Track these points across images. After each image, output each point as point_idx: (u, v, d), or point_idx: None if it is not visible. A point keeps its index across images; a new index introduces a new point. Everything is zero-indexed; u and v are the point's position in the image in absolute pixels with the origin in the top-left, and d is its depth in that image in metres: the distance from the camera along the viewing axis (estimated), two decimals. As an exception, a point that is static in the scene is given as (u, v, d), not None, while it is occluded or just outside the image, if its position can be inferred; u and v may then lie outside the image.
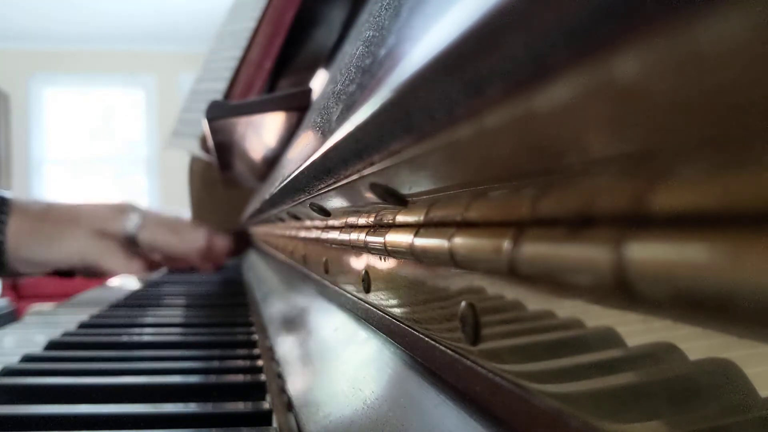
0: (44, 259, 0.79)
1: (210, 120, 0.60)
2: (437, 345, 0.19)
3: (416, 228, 0.19)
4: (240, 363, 0.44)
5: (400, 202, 0.20)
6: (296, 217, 0.45)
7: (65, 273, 0.87)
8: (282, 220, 0.54)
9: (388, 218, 0.22)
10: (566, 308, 0.12)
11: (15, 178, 4.72)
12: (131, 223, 0.85)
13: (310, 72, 0.67)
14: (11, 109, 4.69)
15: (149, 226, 0.86)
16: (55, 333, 0.55)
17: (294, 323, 0.46)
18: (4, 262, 0.78)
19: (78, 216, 0.82)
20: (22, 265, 0.80)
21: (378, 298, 0.27)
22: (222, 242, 0.94)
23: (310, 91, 0.53)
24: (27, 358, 0.45)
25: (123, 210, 0.87)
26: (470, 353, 0.17)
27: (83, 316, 0.68)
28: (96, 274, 0.85)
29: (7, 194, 0.81)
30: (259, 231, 0.92)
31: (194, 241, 0.89)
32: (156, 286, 0.96)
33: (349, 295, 0.33)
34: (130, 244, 0.84)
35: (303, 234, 0.45)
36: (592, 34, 0.07)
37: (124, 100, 4.93)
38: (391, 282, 0.24)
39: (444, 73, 0.10)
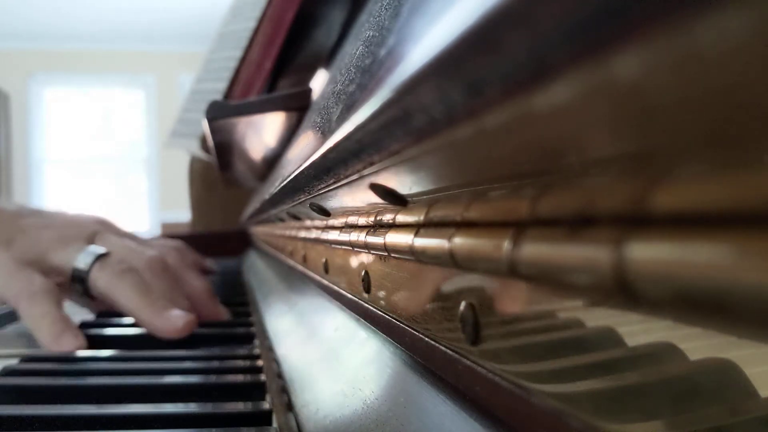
0: None
1: (210, 120, 0.60)
2: (437, 345, 0.19)
3: (416, 228, 0.19)
4: (240, 363, 0.44)
5: (400, 202, 0.20)
6: (296, 217, 0.45)
7: None
8: (282, 220, 0.54)
9: (388, 218, 0.22)
10: (566, 308, 0.12)
11: (15, 178, 4.73)
12: (85, 256, 0.54)
13: (310, 72, 0.67)
14: (11, 109, 4.69)
15: (112, 266, 0.53)
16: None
17: (294, 323, 0.46)
18: None
19: (14, 233, 0.54)
20: None
21: (378, 298, 0.27)
22: (212, 312, 0.60)
23: (310, 91, 0.53)
24: (27, 358, 0.45)
25: (80, 231, 0.57)
26: (470, 353, 0.17)
27: (84, 315, 0.68)
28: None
29: None
30: (259, 231, 0.92)
31: (163, 319, 0.51)
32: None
33: (349, 295, 0.33)
34: (78, 286, 0.54)
35: (303, 234, 0.45)
36: (592, 34, 0.07)
37: (124, 100, 4.93)
38: (391, 282, 0.24)
39: (444, 73, 0.10)
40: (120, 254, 0.55)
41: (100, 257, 0.54)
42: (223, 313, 0.61)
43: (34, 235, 0.54)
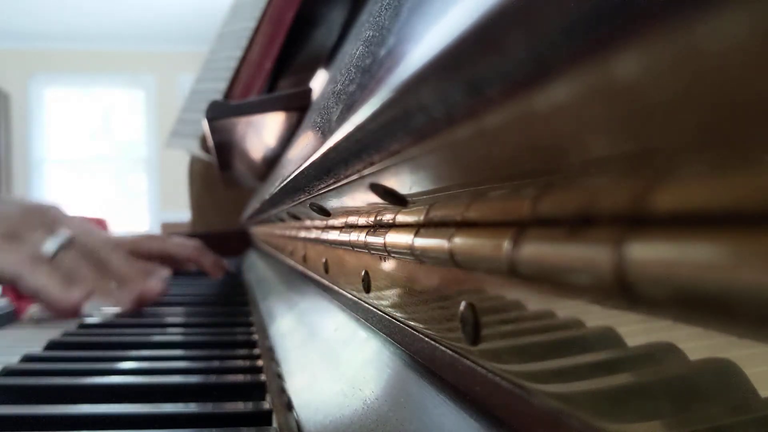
0: None
1: (210, 120, 0.60)
2: (437, 345, 0.19)
3: (416, 228, 0.19)
4: (240, 363, 0.44)
5: (400, 202, 0.20)
6: (296, 217, 0.45)
7: None
8: (282, 220, 0.54)
9: (388, 218, 0.22)
10: (566, 308, 0.12)
11: (15, 178, 4.73)
12: (52, 242, 0.62)
13: (310, 72, 0.67)
14: (11, 109, 4.69)
15: (73, 254, 0.63)
16: (55, 333, 0.55)
17: (294, 323, 0.46)
18: None
19: None
20: None
21: (378, 298, 0.27)
22: (156, 283, 0.70)
23: (310, 91, 0.53)
24: (27, 358, 0.45)
25: (47, 214, 0.65)
26: (470, 353, 0.17)
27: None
28: (19, 290, 0.61)
29: None
30: (259, 231, 0.92)
31: (119, 297, 0.64)
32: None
33: (349, 295, 0.33)
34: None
35: (303, 234, 0.45)
36: (591, 34, 0.07)
37: (124, 100, 4.93)
38: (391, 282, 0.24)
39: (444, 73, 0.10)
40: (79, 242, 0.64)
41: (65, 244, 0.62)
42: (155, 289, 0.69)
43: (10, 215, 0.61)
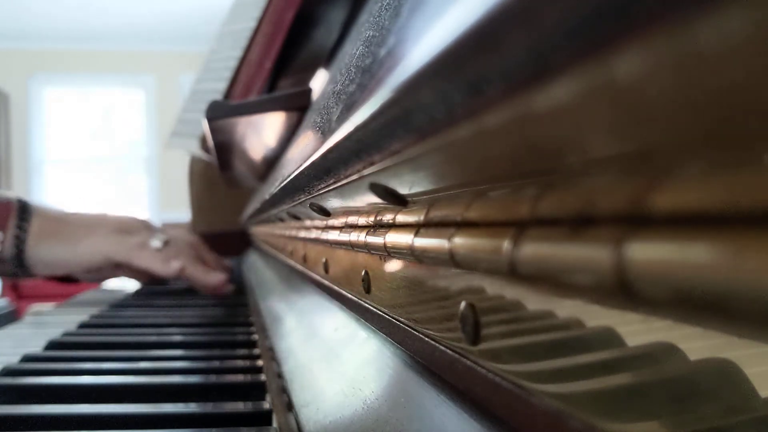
0: (66, 258, 0.78)
1: (210, 120, 0.60)
2: (437, 345, 0.19)
3: (416, 228, 0.19)
4: (240, 363, 0.44)
5: (400, 202, 0.20)
6: (296, 217, 0.45)
7: (93, 278, 0.85)
8: (282, 220, 0.54)
9: (388, 218, 0.22)
10: (566, 308, 0.12)
11: (15, 178, 4.73)
12: (156, 240, 0.82)
13: (310, 72, 0.67)
14: (11, 109, 4.69)
15: (176, 247, 0.83)
16: (55, 333, 0.55)
17: (294, 323, 0.46)
18: (24, 263, 0.77)
19: (102, 219, 0.81)
20: (40, 266, 0.79)
21: (378, 298, 0.27)
22: (227, 283, 0.88)
23: (310, 91, 0.53)
24: (27, 358, 0.45)
25: (145, 223, 0.86)
26: (470, 353, 0.17)
27: (83, 316, 0.68)
28: (128, 274, 0.83)
29: (29, 201, 0.81)
30: (259, 231, 0.92)
31: (212, 278, 0.84)
32: (155, 286, 0.96)
33: (349, 295, 0.33)
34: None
35: (303, 234, 0.45)
36: (591, 34, 0.07)
37: (124, 100, 4.93)
38: (391, 282, 0.24)
39: (444, 73, 0.10)
40: (176, 240, 0.86)
41: (167, 242, 0.83)
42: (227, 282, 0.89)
43: (120, 219, 0.83)
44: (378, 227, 0.24)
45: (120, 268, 0.82)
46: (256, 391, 0.38)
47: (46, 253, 0.77)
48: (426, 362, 0.21)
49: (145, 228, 0.85)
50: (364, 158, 0.18)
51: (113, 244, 0.78)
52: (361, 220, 0.26)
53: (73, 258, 0.78)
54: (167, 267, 0.78)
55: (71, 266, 0.80)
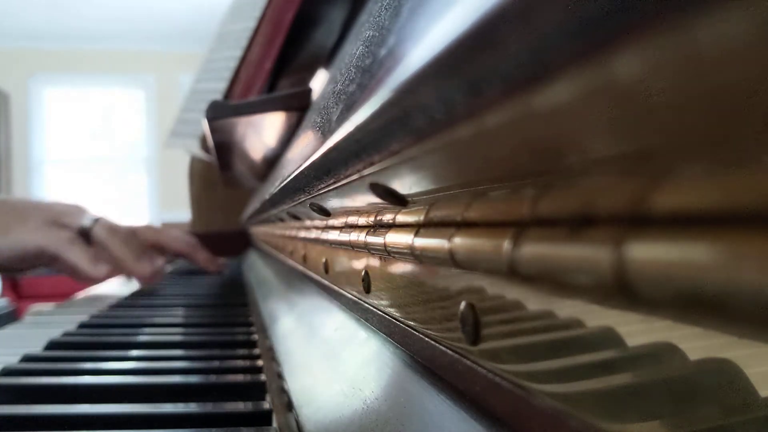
0: None
1: (210, 120, 0.60)
2: (437, 345, 0.19)
3: (416, 228, 0.19)
4: (240, 363, 0.44)
5: (400, 202, 0.20)
6: (296, 217, 0.45)
7: (15, 269, 0.84)
8: (282, 220, 0.54)
9: (388, 218, 0.22)
10: (566, 308, 0.12)
11: (15, 178, 4.73)
12: (86, 220, 0.82)
13: (310, 72, 0.67)
14: (11, 109, 4.69)
15: (103, 227, 0.83)
16: (55, 333, 0.55)
17: (294, 323, 0.46)
18: None
19: (32, 208, 0.80)
20: None
21: (378, 298, 0.27)
22: (157, 274, 0.89)
23: (310, 91, 0.53)
24: (27, 358, 0.45)
25: (79, 208, 0.85)
26: (470, 353, 0.17)
27: (83, 316, 0.68)
28: (55, 267, 0.82)
29: None
30: (259, 231, 0.92)
31: (140, 266, 0.84)
32: (155, 286, 0.96)
33: (349, 295, 0.33)
34: (84, 239, 0.81)
35: (303, 234, 0.45)
36: (591, 34, 0.07)
37: (124, 100, 4.93)
38: (391, 282, 0.24)
39: (444, 73, 0.10)
40: (105, 221, 0.84)
41: (97, 220, 0.82)
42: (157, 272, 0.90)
43: (50, 208, 0.81)
44: (378, 227, 0.24)
45: (53, 261, 0.81)
46: (256, 391, 0.38)
47: None
48: (426, 362, 0.21)
49: (79, 212, 0.84)
50: (364, 158, 0.18)
51: (46, 235, 0.77)
52: (361, 220, 0.26)
53: (4, 247, 0.77)
54: (94, 269, 0.78)
55: (3, 255, 0.77)
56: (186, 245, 1.04)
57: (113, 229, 0.84)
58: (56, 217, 0.80)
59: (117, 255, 0.82)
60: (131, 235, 0.90)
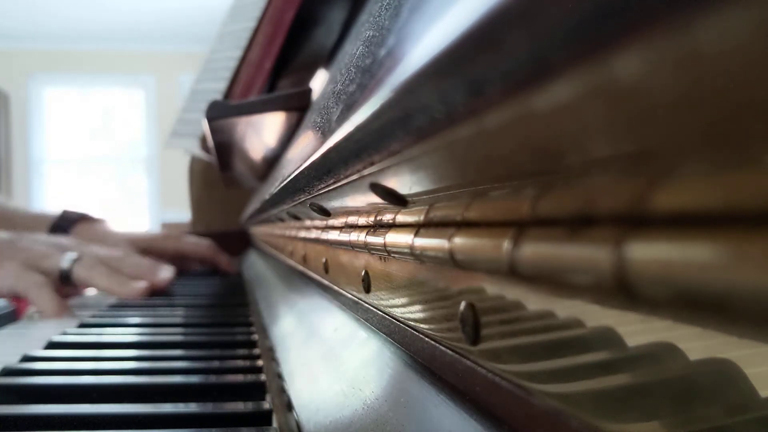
0: None
1: (210, 120, 0.60)
2: (437, 345, 0.19)
3: (416, 228, 0.19)
4: (240, 363, 0.44)
5: (400, 202, 0.20)
6: (296, 217, 0.45)
7: None
8: (282, 220, 0.54)
9: (388, 218, 0.22)
10: (566, 308, 0.12)
11: (15, 178, 4.73)
12: (65, 261, 0.81)
13: (310, 72, 0.67)
14: (11, 109, 4.69)
15: (85, 266, 0.82)
16: (55, 333, 0.55)
17: (294, 323, 0.46)
18: None
19: (14, 250, 0.81)
20: None
21: (378, 298, 0.27)
22: (162, 279, 0.88)
23: (310, 91, 0.53)
24: (27, 358, 0.45)
25: (61, 247, 0.85)
26: (470, 353, 0.17)
27: (83, 316, 0.68)
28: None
29: None
30: (259, 231, 0.92)
31: (129, 289, 0.83)
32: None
33: (349, 295, 0.33)
34: (65, 281, 0.82)
35: (303, 234, 0.45)
36: (591, 34, 0.07)
37: (124, 100, 4.93)
38: (391, 282, 0.24)
39: (444, 73, 0.10)
40: (87, 256, 0.84)
41: (76, 260, 0.82)
42: (164, 280, 0.88)
43: (30, 250, 0.82)
44: (378, 227, 0.24)
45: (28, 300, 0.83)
46: (256, 391, 0.38)
47: None
48: (426, 362, 0.21)
49: (59, 254, 0.84)
50: (364, 158, 0.18)
51: (19, 279, 0.77)
52: (361, 220, 0.26)
53: None
54: (57, 310, 0.77)
55: None
56: (208, 250, 1.03)
57: (96, 263, 0.83)
58: (35, 260, 0.81)
59: (103, 288, 0.83)
60: (125, 251, 0.90)
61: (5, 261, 0.79)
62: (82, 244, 0.88)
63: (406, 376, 0.23)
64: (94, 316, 0.68)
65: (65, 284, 0.81)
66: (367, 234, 0.25)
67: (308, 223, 0.42)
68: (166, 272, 0.89)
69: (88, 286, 0.83)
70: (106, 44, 4.76)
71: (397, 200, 0.20)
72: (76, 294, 0.88)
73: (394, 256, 0.23)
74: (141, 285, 0.83)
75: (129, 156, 4.95)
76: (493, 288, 0.15)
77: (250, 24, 0.73)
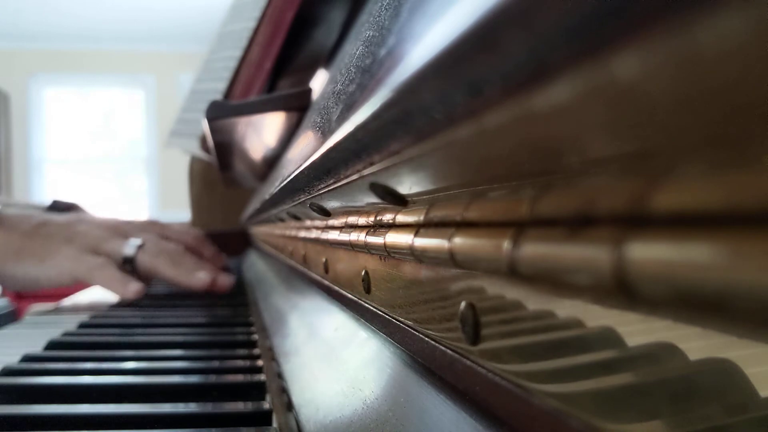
0: (32, 277, 0.76)
1: (210, 120, 0.60)
2: (437, 345, 0.19)
3: (416, 228, 0.19)
4: (240, 363, 0.44)
5: (400, 202, 0.20)
6: (296, 217, 0.45)
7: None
8: (282, 220, 0.54)
9: (388, 218, 0.22)
10: (566, 308, 0.12)
11: (15, 178, 4.73)
12: (129, 248, 0.80)
13: (310, 72, 0.67)
14: (11, 109, 4.69)
15: (148, 253, 0.80)
16: (55, 333, 0.55)
17: (294, 323, 0.46)
18: None
19: (72, 234, 0.79)
20: (9, 283, 0.77)
21: (378, 298, 0.27)
22: (225, 280, 0.85)
23: (310, 91, 0.53)
24: (27, 358, 0.45)
25: (122, 233, 0.83)
26: (470, 353, 0.17)
27: (83, 316, 0.68)
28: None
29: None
30: (259, 231, 0.92)
31: (195, 279, 0.81)
32: (155, 287, 0.96)
33: (349, 295, 0.33)
34: (127, 267, 0.80)
35: (303, 234, 0.45)
36: (591, 34, 0.07)
37: (124, 100, 4.93)
38: (391, 282, 0.24)
39: (444, 73, 0.10)
40: (151, 242, 0.83)
41: (141, 246, 0.80)
42: (228, 281, 0.85)
43: (88, 234, 0.80)
44: (378, 227, 0.24)
45: (89, 284, 0.81)
46: (256, 391, 0.38)
47: (13, 271, 0.76)
48: (426, 362, 0.21)
49: (119, 236, 0.82)
50: (364, 158, 0.18)
51: (78, 263, 0.76)
52: (361, 220, 0.26)
53: (42, 276, 0.76)
54: (125, 289, 0.76)
55: (41, 284, 0.78)
56: (193, 240, 1.01)
57: (158, 251, 0.81)
58: (94, 244, 0.79)
59: (167, 278, 0.81)
60: (180, 243, 0.87)
61: (62, 246, 0.76)
62: (141, 228, 0.86)
63: (406, 375, 0.23)
64: (94, 316, 0.68)
65: (126, 271, 0.79)
66: (367, 234, 0.25)
67: (308, 223, 0.42)
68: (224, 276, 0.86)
69: (151, 273, 0.81)
70: (106, 44, 4.76)
71: (397, 200, 0.20)
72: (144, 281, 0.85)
73: (394, 256, 0.23)
74: (206, 277, 0.81)
75: (129, 156, 4.95)
76: (493, 288, 0.15)
77: (250, 24, 0.73)
